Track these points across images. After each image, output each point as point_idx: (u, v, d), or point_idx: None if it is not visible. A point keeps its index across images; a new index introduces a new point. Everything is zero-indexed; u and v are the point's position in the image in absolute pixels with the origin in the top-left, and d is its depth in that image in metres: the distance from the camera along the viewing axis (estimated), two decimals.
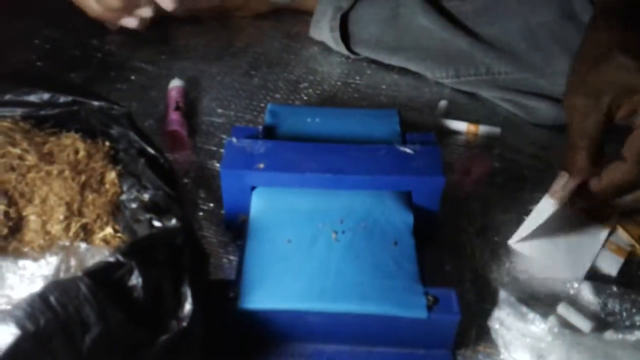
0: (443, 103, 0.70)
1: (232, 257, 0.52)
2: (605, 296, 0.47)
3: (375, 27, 0.74)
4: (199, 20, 0.83)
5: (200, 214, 0.56)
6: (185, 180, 0.59)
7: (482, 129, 0.66)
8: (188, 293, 0.38)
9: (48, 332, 0.31)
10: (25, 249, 0.45)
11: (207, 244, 0.53)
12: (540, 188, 0.60)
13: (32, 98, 0.52)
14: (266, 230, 0.47)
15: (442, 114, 0.69)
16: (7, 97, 0.51)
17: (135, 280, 0.36)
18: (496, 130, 0.66)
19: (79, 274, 0.34)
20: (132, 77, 0.72)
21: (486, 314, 0.46)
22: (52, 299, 0.32)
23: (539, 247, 0.53)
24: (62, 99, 0.52)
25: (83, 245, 0.46)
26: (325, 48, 0.78)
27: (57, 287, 0.33)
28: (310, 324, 0.43)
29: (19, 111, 0.51)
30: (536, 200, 0.59)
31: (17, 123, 0.50)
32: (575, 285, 0.47)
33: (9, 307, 0.32)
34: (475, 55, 0.69)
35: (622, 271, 0.52)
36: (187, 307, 0.37)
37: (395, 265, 0.45)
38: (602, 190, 0.49)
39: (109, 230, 0.47)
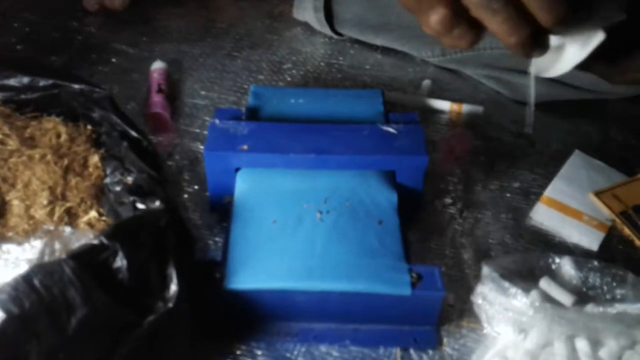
0: (426, 82, 0.70)
1: (217, 239, 0.52)
2: (586, 270, 0.48)
3: (359, 6, 0.74)
4: (179, 1, 0.82)
5: (185, 196, 0.56)
6: (169, 163, 0.58)
7: (465, 107, 0.66)
8: (173, 274, 0.38)
9: (33, 315, 0.31)
10: (10, 234, 0.45)
11: (193, 226, 0.53)
12: (523, 165, 0.61)
13: (12, 82, 0.51)
14: (251, 211, 0.47)
15: (425, 93, 0.69)
16: None
17: (120, 262, 0.36)
18: (479, 109, 0.66)
19: (64, 256, 0.34)
20: (113, 60, 0.72)
21: (469, 289, 0.47)
22: (36, 281, 0.32)
23: None
24: (42, 82, 0.52)
25: (67, 229, 0.46)
26: (308, 28, 0.78)
27: (41, 269, 0.33)
28: (296, 303, 0.44)
29: None
30: (519, 178, 0.59)
31: None
32: (557, 260, 0.48)
33: None
34: None
35: (602, 246, 0.53)
36: (173, 288, 0.37)
37: (379, 244, 0.45)
38: None
39: (93, 213, 0.47)
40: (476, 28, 0.37)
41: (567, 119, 0.67)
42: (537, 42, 0.37)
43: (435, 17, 0.36)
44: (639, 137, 0.64)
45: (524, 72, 0.68)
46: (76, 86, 0.51)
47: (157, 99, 0.63)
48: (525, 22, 0.35)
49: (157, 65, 0.67)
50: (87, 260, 0.34)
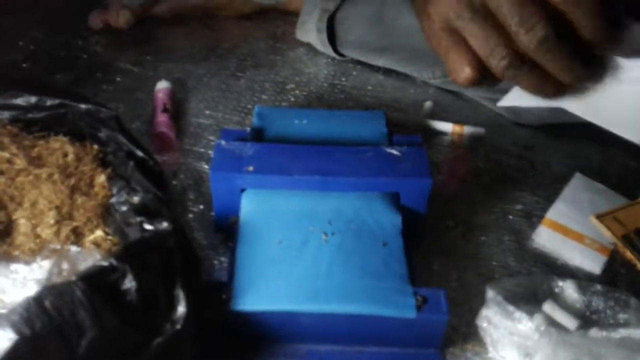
0: (428, 104, 0.71)
1: (222, 259, 0.52)
2: (589, 294, 0.48)
3: (361, 28, 0.75)
4: (183, 20, 0.83)
5: (190, 216, 0.56)
6: (174, 183, 0.59)
7: (467, 129, 0.67)
8: (181, 295, 0.38)
9: (44, 336, 0.31)
10: (16, 253, 0.45)
11: (198, 246, 0.53)
12: (525, 187, 0.61)
13: (19, 101, 0.52)
14: (257, 232, 0.48)
15: (427, 114, 0.70)
16: None
17: (129, 283, 0.36)
18: (481, 130, 0.67)
19: (73, 278, 0.34)
20: (118, 79, 0.72)
21: (474, 312, 0.47)
22: (47, 303, 0.32)
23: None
24: (50, 102, 0.52)
25: (74, 249, 0.46)
26: (311, 49, 0.79)
27: (52, 291, 0.33)
28: (302, 325, 0.44)
29: (6, 115, 0.51)
30: (521, 201, 0.60)
31: (4, 127, 0.50)
32: (560, 283, 0.48)
33: (3, 311, 0.32)
34: None
35: (605, 269, 0.54)
36: (181, 309, 0.38)
37: (384, 266, 0.45)
38: None
39: (99, 233, 0.47)
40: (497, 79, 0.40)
41: (567, 141, 0.67)
42: (560, 93, 0.41)
43: (463, 76, 0.41)
44: (639, 160, 0.65)
45: None
46: (83, 106, 0.52)
47: (162, 118, 0.63)
48: (549, 81, 0.39)
49: (162, 85, 0.68)
50: (96, 282, 0.34)
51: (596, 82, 0.41)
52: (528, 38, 0.37)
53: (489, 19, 0.38)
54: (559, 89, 0.40)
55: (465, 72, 0.40)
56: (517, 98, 0.46)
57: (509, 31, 0.37)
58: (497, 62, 0.39)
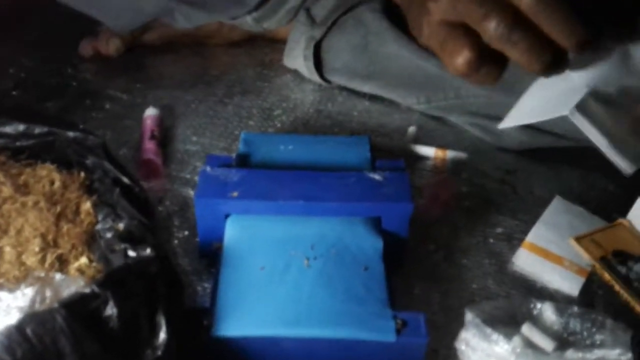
0: (412, 129, 0.72)
1: (206, 285, 0.53)
2: (567, 316, 0.49)
3: (347, 55, 0.76)
4: (173, 48, 0.84)
5: (175, 241, 0.57)
6: (160, 209, 0.60)
7: (450, 154, 0.68)
8: (163, 322, 0.38)
9: None
10: (0, 280, 0.45)
11: (182, 272, 0.53)
12: (506, 211, 0.63)
13: (8, 129, 0.53)
14: (240, 257, 0.48)
15: (411, 139, 0.71)
16: None
17: (111, 310, 0.36)
18: (463, 155, 0.68)
19: (55, 305, 0.35)
20: (107, 106, 0.73)
21: (454, 335, 0.48)
22: (28, 330, 0.33)
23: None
24: (38, 129, 0.53)
25: (58, 276, 0.46)
26: (298, 75, 0.80)
27: (33, 318, 0.33)
28: (284, 350, 0.44)
29: None
30: (502, 224, 0.61)
31: None
32: (539, 305, 0.49)
33: None
34: (444, 78, 0.71)
35: (583, 291, 0.55)
36: (162, 336, 0.38)
37: (365, 290, 0.46)
38: None
39: (83, 260, 0.48)
40: (500, 62, 0.39)
41: (548, 165, 0.69)
42: (558, 64, 0.39)
43: (461, 60, 0.39)
44: (618, 184, 0.66)
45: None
46: (71, 133, 0.53)
47: (149, 145, 0.64)
48: (547, 47, 0.37)
49: (150, 112, 0.69)
50: (78, 309, 0.35)
51: (600, 52, 0.39)
52: None
53: None
54: (558, 57, 0.38)
55: (464, 54, 0.38)
56: (519, 116, 0.46)
57: None
58: (493, 25, 0.37)
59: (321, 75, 0.78)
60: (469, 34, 0.39)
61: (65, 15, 0.76)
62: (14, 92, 0.74)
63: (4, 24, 0.85)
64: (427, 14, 0.40)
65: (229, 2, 0.76)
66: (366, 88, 0.77)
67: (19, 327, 0.32)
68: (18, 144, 0.53)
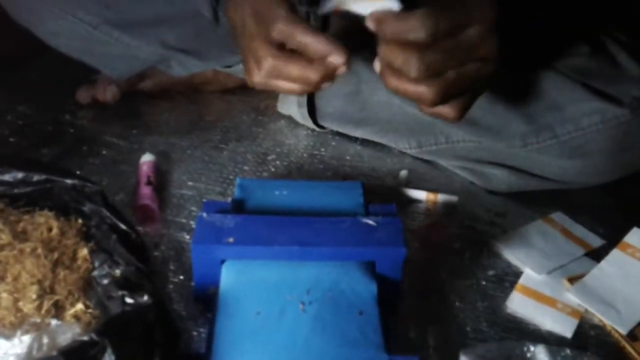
0: (404, 173, 0.74)
1: (201, 330, 0.53)
2: (560, 358, 0.49)
3: (340, 102, 0.78)
4: (169, 95, 0.86)
5: (171, 286, 0.57)
6: (156, 253, 0.60)
7: (441, 197, 0.70)
8: None
9: None
10: None
11: (177, 317, 0.54)
12: (497, 253, 0.63)
13: (7, 177, 0.53)
14: (236, 303, 0.49)
15: (403, 182, 0.72)
16: None
17: (108, 358, 0.37)
18: (454, 198, 0.70)
19: (54, 352, 0.35)
20: (104, 152, 0.74)
21: None
22: None
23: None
24: (36, 177, 0.54)
25: (54, 322, 0.46)
26: (292, 121, 0.82)
27: None
28: None
29: None
30: (494, 266, 0.62)
31: None
32: (532, 348, 0.50)
33: None
34: (434, 124, 0.73)
35: (575, 332, 0.55)
36: None
37: (360, 335, 0.47)
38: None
39: (80, 306, 0.48)
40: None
41: (536, 208, 0.70)
42: None
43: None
44: (604, 226, 0.68)
45: (496, 164, 0.72)
46: (68, 181, 0.54)
47: (145, 191, 0.65)
48: None
49: (146, 158, 0.70)
50: (77, 357, 0.35)
51: None
52: None
53: None
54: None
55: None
56: None
57: None
58: None
59: (314, 121, 0.80)
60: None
61: (61, 63, 0.78)
62: (11, 139, 0.75)
63: (1, 71, 0.86)
64: None
65: (223, 51, 0.78)
66: (358, 133, 0.79)
67: None
68: (16, 191, 0.54)
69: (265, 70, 0.52)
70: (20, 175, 0.54)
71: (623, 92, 0.62)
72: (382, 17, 0.44)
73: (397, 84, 0.47)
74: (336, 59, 0.49)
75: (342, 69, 0.50)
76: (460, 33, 0.45)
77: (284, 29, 0.50)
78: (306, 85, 0.52)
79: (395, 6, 0.44)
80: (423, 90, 0.46)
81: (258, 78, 0.53)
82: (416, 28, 0.43)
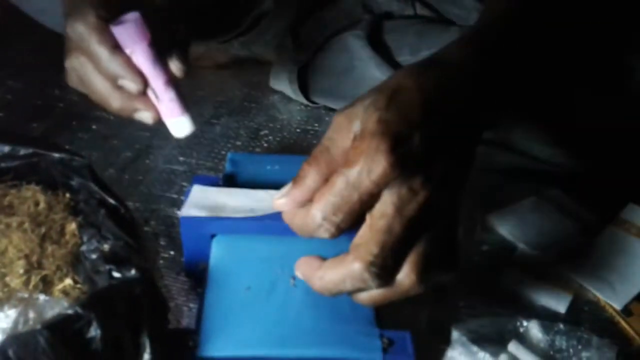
0: None
1: (192, 305, 0.52)
2: (553, 333, 0.49)
3: (333, 78, 0.77)
4: None
5: (161, 262, 0.56)
6: (146, 229, 0.59)
7: None
8: (147, 343, 0.38)
9: None
10: None
11: (168, 292, 0.53)
12: (491, 229, 0.63)
13: None
14: (226, 277, 0.48)
15: None
16: None
17: (94, 332, 0.36)
18: None
19: (38, 326, 0.34)
20: (94, 126, 0.73)
21: (440, 354, 0.48)
22: (10, 352, 0.32)
23: None
24: (23, 151, 0.53)
25: (42, 297, 0.46)
26: (285, 96, 0.81)
27: (15, 340, 0.33)
28: None
29: None
30: (487, 242, 0.61)
31: None
32: (525, 323, 0.49)
33: None
34: None
35: (569, 308, 0.55)
36: (146, 357, 0.38)
37: (351, 309, 0.46)
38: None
39: (68, 281, 0.47)
40: None
41: (531, 184, 0.69)
42: None
43: None
44: (599, 201, 0.67)
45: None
46: (56, 155, 0.53)
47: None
48: None
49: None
50: (61, 331, 0.35)
51: None
52: None
53: None
54: None
55: None
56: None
57: None
58: None
59: (307, 97, 0.78)
60: None
61: (52, 37, 0.76)
62: (0, 114, 0.74)
63: None
64: None
65: (216, 27, 0.76)
66: None
67: (1, 349, 0.32)
68: (3, 165, 0.53)
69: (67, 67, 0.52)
70: (6, 149, 0.53)
71: None
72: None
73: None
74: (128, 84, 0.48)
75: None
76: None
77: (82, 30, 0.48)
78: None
79: None
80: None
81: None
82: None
